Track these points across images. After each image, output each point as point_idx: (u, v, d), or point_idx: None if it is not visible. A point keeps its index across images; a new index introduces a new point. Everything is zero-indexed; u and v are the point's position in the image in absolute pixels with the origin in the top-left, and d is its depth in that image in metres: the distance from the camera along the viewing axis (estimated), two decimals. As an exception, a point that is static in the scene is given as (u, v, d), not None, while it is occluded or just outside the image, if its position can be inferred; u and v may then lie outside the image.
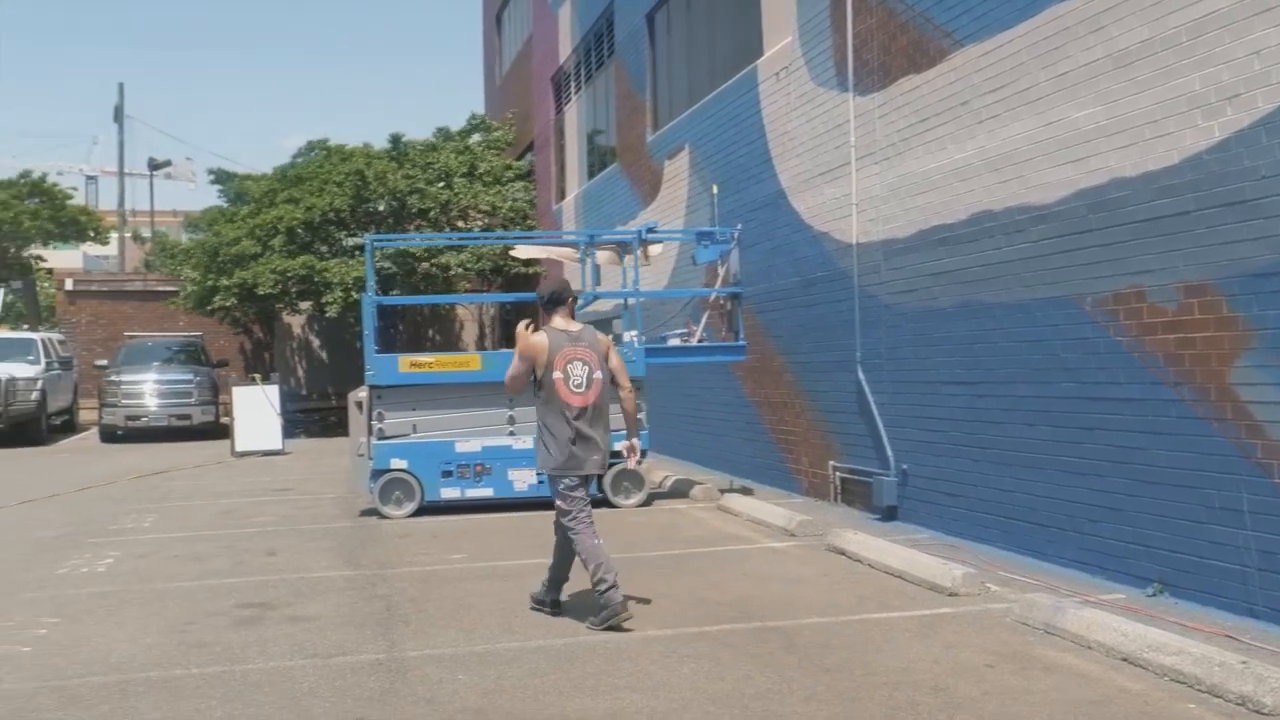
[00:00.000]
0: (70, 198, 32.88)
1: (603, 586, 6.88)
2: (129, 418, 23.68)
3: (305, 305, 25.56)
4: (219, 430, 24.19)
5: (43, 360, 24.04)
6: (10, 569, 9.30)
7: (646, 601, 7.46)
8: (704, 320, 12.49)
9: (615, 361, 7.44)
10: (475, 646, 6.51)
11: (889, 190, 10.40)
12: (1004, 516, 8.85)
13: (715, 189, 13.05)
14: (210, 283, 24.08)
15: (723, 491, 12.37)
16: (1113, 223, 7.58)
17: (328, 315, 23.09)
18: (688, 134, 15.84)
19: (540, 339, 7.14)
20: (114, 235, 38.36)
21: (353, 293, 22.51)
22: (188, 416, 24.02)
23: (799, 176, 12.25)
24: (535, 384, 7.20)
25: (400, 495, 11.58)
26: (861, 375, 10.85)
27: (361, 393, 11.77)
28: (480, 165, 25.57)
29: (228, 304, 23.78)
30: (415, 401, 11.69)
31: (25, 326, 34.83)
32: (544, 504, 11.75)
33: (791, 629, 6.71)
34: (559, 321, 7.26)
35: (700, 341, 12.38)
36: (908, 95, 10.06)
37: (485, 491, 11.67)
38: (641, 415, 11.74)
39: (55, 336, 27.05)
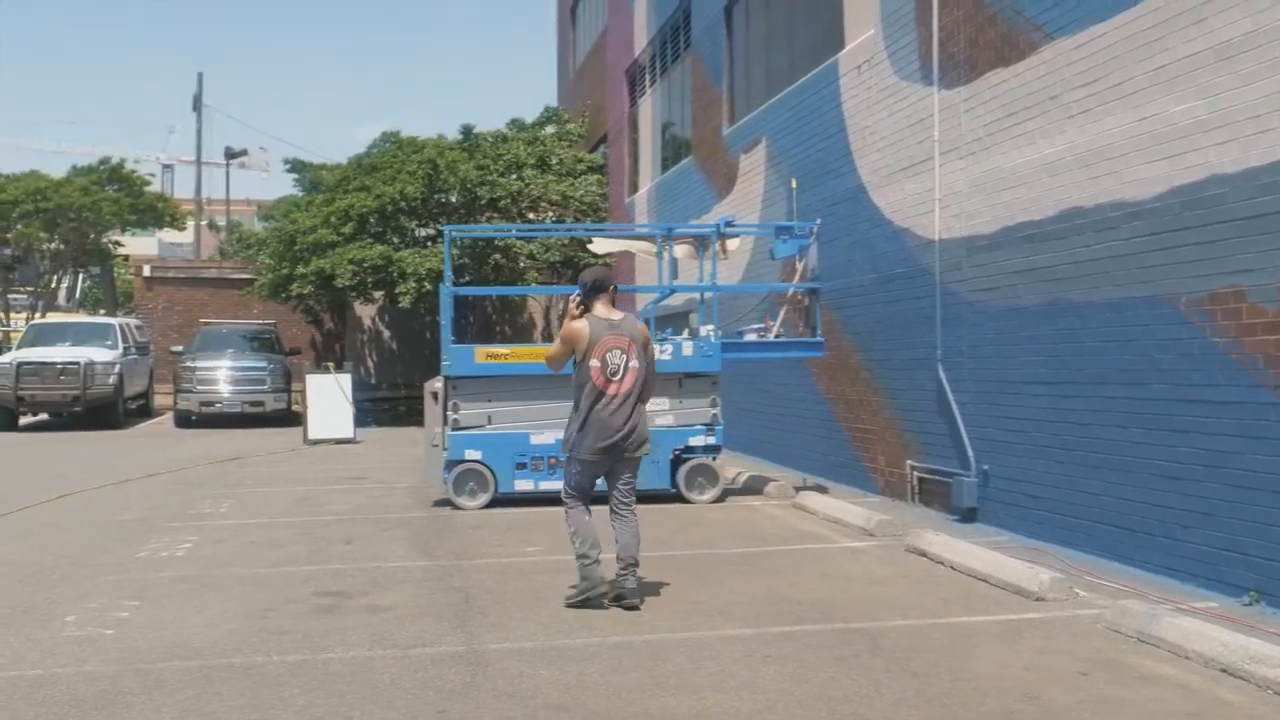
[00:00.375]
0: (148, 184, 33.36)
1: (585, 562, 7.20)
2: (203, 403, 23.97)
3: (378, 295, 25.74)
4: (291, 418, 24.44)
5: (120, 345, 24.41)
6: (91, 551, 9.40)
7: (692, 601, 7.36)
8: (781, 315, 12.37)
9: (651, 354, 7.52)
10: (554, 641, 6.45)
11: (973, 186, 10.22)
12: (1090, 520, 8.65)
13: (794, 183, 12.92)
14: (285, 270, 24.29)
15: (797, 489, 12.25)
16: (1211, 220, 7.37)
17: (400, 305, 23.16)
18: (765, 127, 15.70)
19: (581, 325, 7.29)
20: (190, 223, 38.93)
21: (425, 283, 22.60)
22: (261, 403, 24.25)
23: (880, 171, 12.09)
24: (575, 368, 7.38)
25: (474, 486, 11.57)
26: (942, 374, 10.68)
27: (437, 383, 11.78)
28: (552, 157, 25.58)
29: (304, 292, 23.96)
30: (490, 393, 11.68)
31: (103, 312, 35.54)
32: (647, 499, 11.75)
33: (876, 631, 6.59)
34: (600, 309, 7.39)
35: (777, 337, 12.26)
36: (995, 89, 9.87)
37: (558, 484, 11.56)
38: (716, 410, 11.69)
39: (132, 322, 27.47)
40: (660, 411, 11.81)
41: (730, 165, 17.25)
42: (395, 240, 24.54)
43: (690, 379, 11.89)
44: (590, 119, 27.74)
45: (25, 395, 22.71)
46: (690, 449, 11.84)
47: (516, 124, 26.75)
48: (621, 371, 7.24)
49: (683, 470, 11.74)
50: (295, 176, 27.60)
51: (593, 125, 27.74)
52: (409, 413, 26.75)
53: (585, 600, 7.15)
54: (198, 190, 40.24)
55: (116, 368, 23.60)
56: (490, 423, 11.66)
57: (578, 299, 7.43)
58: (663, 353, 11.72)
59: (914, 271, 11.34)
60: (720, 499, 11.86)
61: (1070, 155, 8.81)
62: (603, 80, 27.09)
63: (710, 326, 11.95)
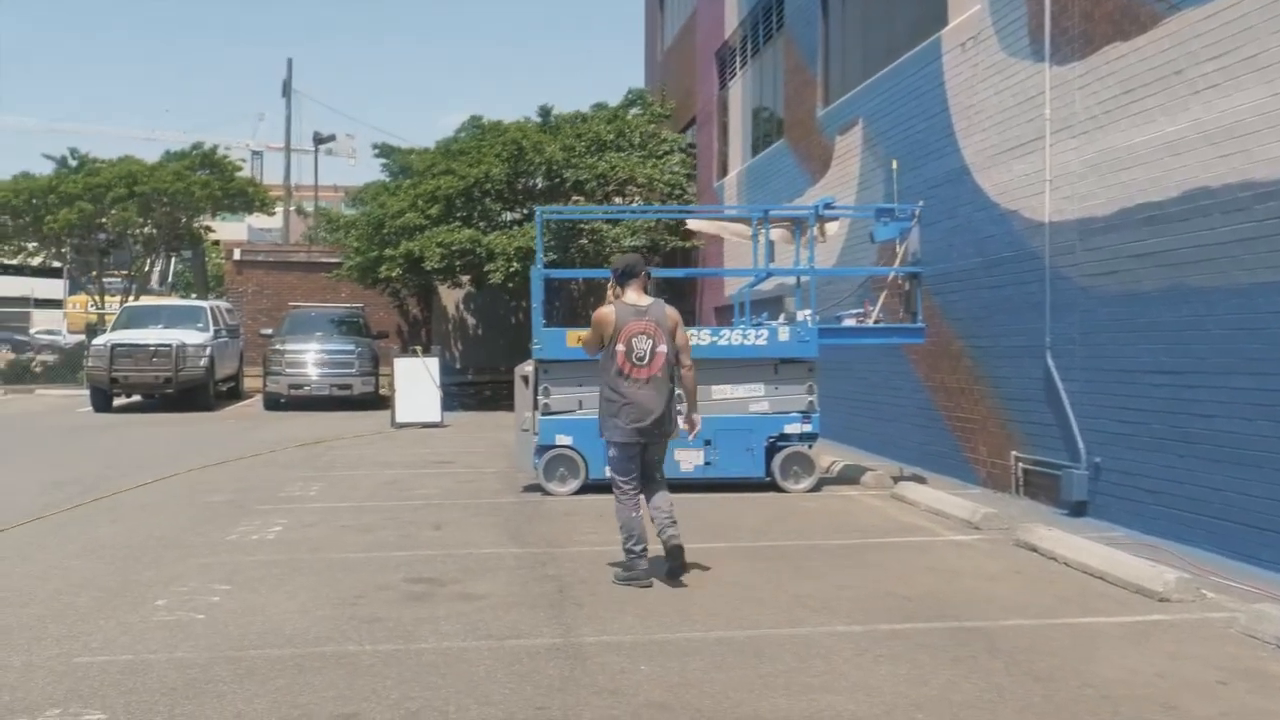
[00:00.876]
0: (239, 169, 33.63)
1: (631, 556, 7.46)
2: (292, 386, 24.08)
3: (464, 279, 25.69)
4: (378, 401, 24.49)
5: (211, 328, 24.61)
6: (183, 532, 9.34)
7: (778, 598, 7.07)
8: (881, 300, 11.99)
9: (681, 339, 7.65)
10: (654, 635, 6.21)
11: (1087, 166, 9.78)
12: (1212, 517, 8.22)
13: (895, 164, 12.52)
14: (374, 254, 24.31)
15: (895, 479, 11.90)
16: (1354, 201, 6.92)
17: (490, 284, 23.07)
18: (861, 108, 15.31)
19: (609, 311, 7.54)
20: (279, 208, 39.23)
21: (514, 262, 22.47)
22: (349, 387, 24.31)
23: (985, 152, 11.67)
24: (602, 353, 7.62)
25: (564, 472, 11.37)
26: (1051, 362, 10.27)
27: (527, 367, 11.59)
28: (634, 137, 25.31)
29: (392, 274, 23.96)
30: (582, 377, 11.43)
31: (194, 295, 35.97)
32: (711, 487, 11.52)
33: (992, 630, 6.25)
34: (630, 295, 7.58)
35: (877, 322, 11.89)
36: (1113, 64, 9.42)
37: (651, 471, 11.38)
38: (812, 397, 11.37)
39: (223, 305, 27.71)
40: (755, 398, 11.53)
41: (825, 148, 16.87)
42: (481, 224, 24.49)
43: (786, 365, 11.58)
44: (678, 102, 27.42)
45: (119, 377, 22.97)
46: (786, 437, 11.54)
47: (600, 107, 26.50)
48: (648, 356, 7.44)
49: (778, 458, 11.44)
50: (383, 161, 27.60)
51: (681, 109, 27.41)
52: (494, 397, 26.77)
53: (628, 581, 7.40)
54: (286, 175, 40.59)
55: (208, 350, 23.80)
56: (581, 407, 11.44)
57: (614, 283, 7.67)
58: (758, 338, 11.44)
59: (1021, 255, 10.92)
60: (816, 488, 11.54)
61: (1195, 133, 8.35)
62: (691, 63, 26.76)
63: (807, 311, 11.62)
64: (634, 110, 26.68)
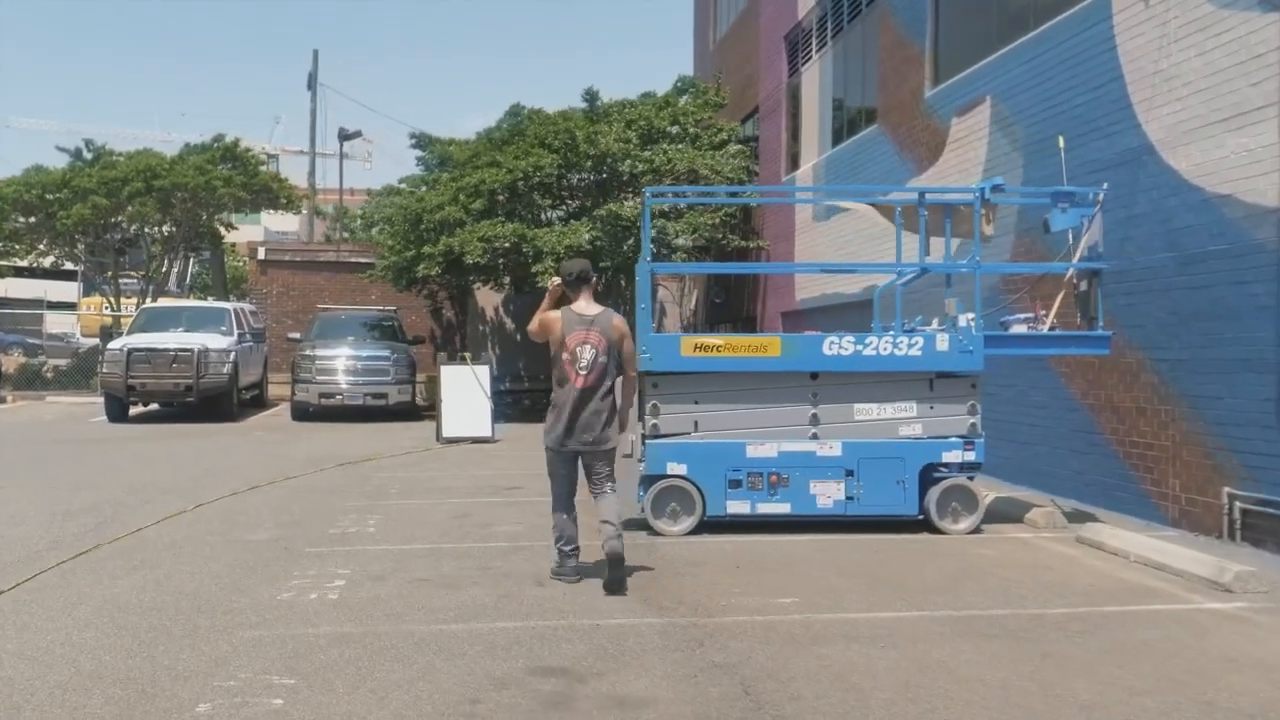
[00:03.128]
0: (263, 164, 31.66)
1: (566, 549, 7.70)
2: (322, 395, 22.13)
3: (504, 281, 23.77)
4: (414, 412, 22.60)
5: (235, 331, 22.75)
6: (223, 589, 7.40)
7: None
8: (1058, 302, 9.98)
9: (627, 350, 7.69)
10: (926, 781, 4.25)
11: (1352, 135, 7.80)
12: None
13: (1061, 141, 10.52)
14: (411, 252, 22.39)
15: (1068, 517, 9.94)
16: None
17: (537, 285, 21.14)
18: (989, 84, 13.35)
19: (555, 316, 7.63)
20: (302, 207, 37.34)
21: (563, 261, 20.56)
22: (384, 396, 22.38)
23: (1180, 125, 9.69)
24: (552, 359, 7.64)
25: (677, 507, 9.42)
26: (1292, 379, 8.29)
27: (630, 381, 9.61)
28: (690, 126, 23.37)
29: (431, 273, 22.00)
30: (698, 393, 9.52)
31: (212, 298, 34.08)
32: (851, 525, 9.55)
33: None
34: (580, 303, 7.60)
35: (1052, 329, 9.91)
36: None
37: (780, 507, 9.43)
38: (975, 419, 9.44)
39: (247, 307, 25.82)
40: (906, 419, 9.57)
41: (935, 132, 14.91)
42: (527, 219, 22.59)
43: (943, 380, 9.62)
44: (735, 93, 25.44)
45: (136, 384, 21.07)
46: (943, 466, 9.57)
47: (648, 96, 24.49)
48: (590, 366, 7.47)
49: (935, 492, 9.48)
50: (419, 154, 25.64)
51: (738, 100, 25.44)
52: (534, 408, 24.76)
53: (557, 577, 7.65)
54: (311, 171, 38.67)
55: (231, 355, 21.91)
56: (697, 429, 9.50)
57: (557, 283, 7.71)
58: (911, 348, 9.48)
59: (1238, 249, 8.94)
60: (978, 529, 9.57)
61: None
62: (752, 49, 24.80)
63: (970, 315, 9.64)
64: (684, 99, 24.67)
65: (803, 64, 21.45)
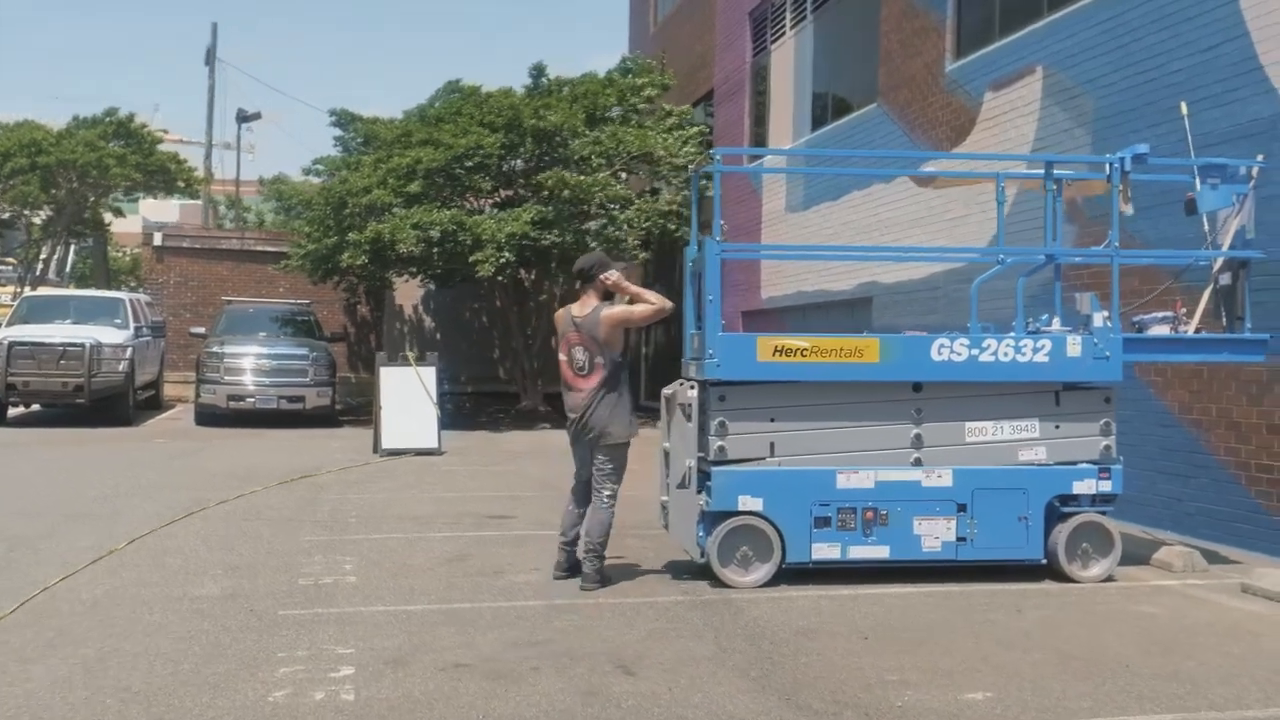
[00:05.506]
0: (160, 142, 28.75)
1: (561, 540, 7.63)
2: (231, 397, 19.64)
3: (436, 272, 21.54)
4: (333, 417, 20.29)
5: (131, 325, 20.15)
6: (185, 684, 5.22)
7: None
8: (1204, 299, 8.19)
9: (617, 317, 7.36)
10: None
11: None
12: None
13: (1184, 107, 8.74)
14: (333, 240, 20.03)
15: (1207, 557, 8.22)
16: None
17: (477, 275, 18.99)
18: (1042, 52, 11.64)
19: (559, 315, 7.61)
20: (200, 194, 34.43)
21: (505, 251, 18.47)
22: (300, 399, 19.95)
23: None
24: None
25: (749, 551, 7.43)
26: None
27: (688, 391, 7.59)
28: (639, 105, 21.44)
29: (357, 262, 19.65)
30: (775, 408, 7.55)
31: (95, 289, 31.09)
32: (957, 572, 7.70)
33: None
34: (577, 305, 7.48)
35: (1198, 332, 8.12)
36: None
37: (878, 551, 7.50)
38: (1109, 441, 7.65)
39: (143, 298, 23.16)
40: (1027, 441, 7.71)
41: (960, 109, 13.17)
42: (467, 206, 20.43)
43: (1071, 392, 7.79)
44: (684, 75, 23.53)
45: (17, 382, 18.37)
46: (1072, 499, 7.74)
47: (590, 76, 22.44)
48: (587, 367, 7.34)
49: (1063, 531, 7.64)
50: (338, 134, 23.16)
51: (687, 82, 23.56)
52: (457, 411, 22.54)
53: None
54: (207, 154, 35.71)
55: (128, 352, 19.34)
56: (773, 454, 7.53)
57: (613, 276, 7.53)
58: (1038, 352, 7.63)
59: None
60: (1110, 576, 7.76)
61: None
62: (705, 28, 22.95)
63: (1104, 314, 7.80)
64: (630, 79, 22.64)
65: (772, 41, 19.61)
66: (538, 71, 21.59)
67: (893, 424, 7.62)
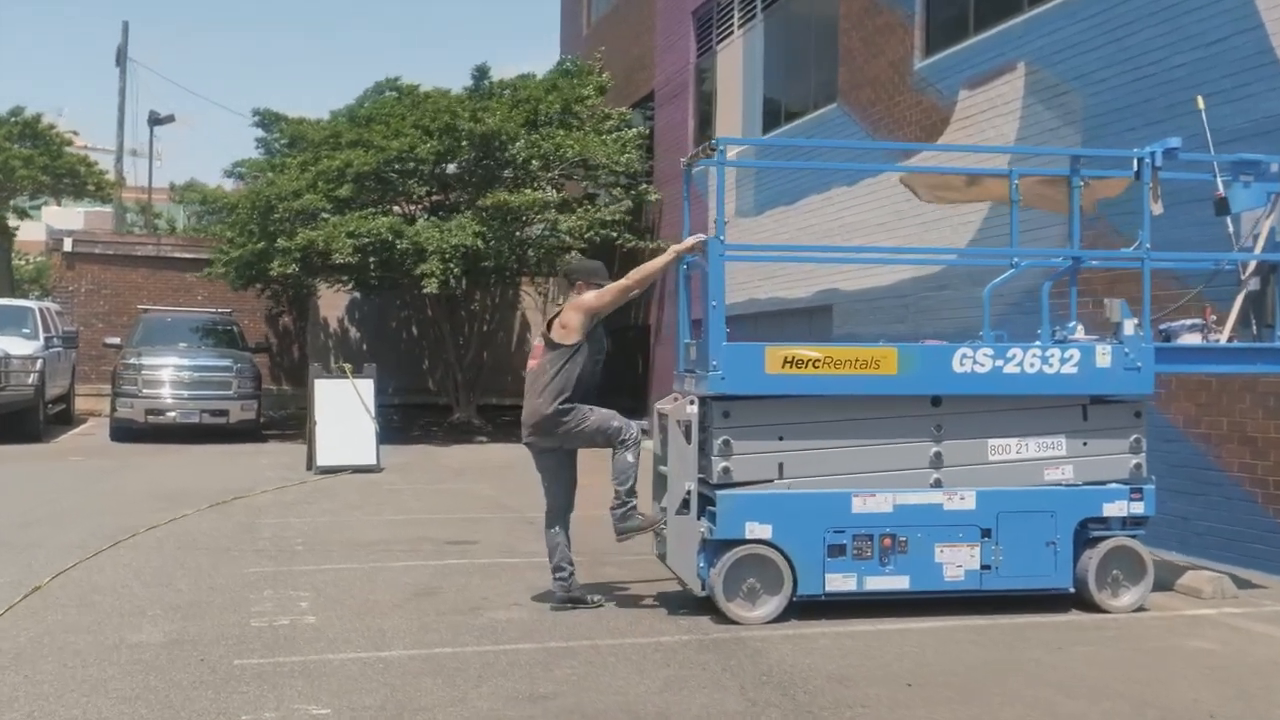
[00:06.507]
0: (69, 144, 27.37)
1: (558, 575, 7.00)
2: (150, 411, 18.54)
3: (372, 282, 20.63)
4: (257, 431, 19.25)
5: (41, 335, 18.94)
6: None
7: None
8: (1237, 305, 7.63)
9: (561, 318, 7.03)
10: None
11: None
12: None
13: (1201, 101, 8.22)
14: (260, 246, 19.00)
15: (1239, 584, 7.68)
16: None
17: (423, 289, 18.11)
18: (1024, 48, 11.13)
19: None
20: (88, 200, 32.92)
21: (453, 265, 17.62)
22: (224, 413, 18.90)
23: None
24: None
25: (756, 584, 6.72)
26: None
27: (685, 406, 6.86)
28: (582, 111, 20.69)
29: (288, 270, 18.65)
30: (783, 425, 6.85)
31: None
32: (981, 603, 7.06)
33: None
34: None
35: (1231, 340, 7.56)
36: None
37: (897, 581, 6.82)
38: (1139, 458, 7.08)
39: (53, 307, 21.89)
40: (1053, 459, 7.10)
41: (931, 109, 12.64)
42: (398, 211, 19.55)
43: (1099, 407, 7.19)
44: (621, 77, 22.83)
45: (-83, 397, 17.17)
46: (1101, 522, 7.13)
47: (527, 78, 21.64)
48: (530, 382, 7.07)
49: (1093, 557, 7.03)
50: (261, 135, 22.11)
51: (624, 85, 22.88)
52: (406, 426, 21.67)
53: (571, 602, 6.97)
54: (119, 158, 34.22)
55: (38, 364, 18.15)
56: (782, 475, 6.83)
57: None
58: (1066, 363, 7.03)
59: None
60: (1143, 605, 7.17)
61: None
62: (644, 28, 22.32)
63: (1134, 321, 7.21)
64: (569, 82, 21.89)
65: (718, 42, 19.00)
66: (480, 73, 20.76)
67: (911, 441, 6.96)
